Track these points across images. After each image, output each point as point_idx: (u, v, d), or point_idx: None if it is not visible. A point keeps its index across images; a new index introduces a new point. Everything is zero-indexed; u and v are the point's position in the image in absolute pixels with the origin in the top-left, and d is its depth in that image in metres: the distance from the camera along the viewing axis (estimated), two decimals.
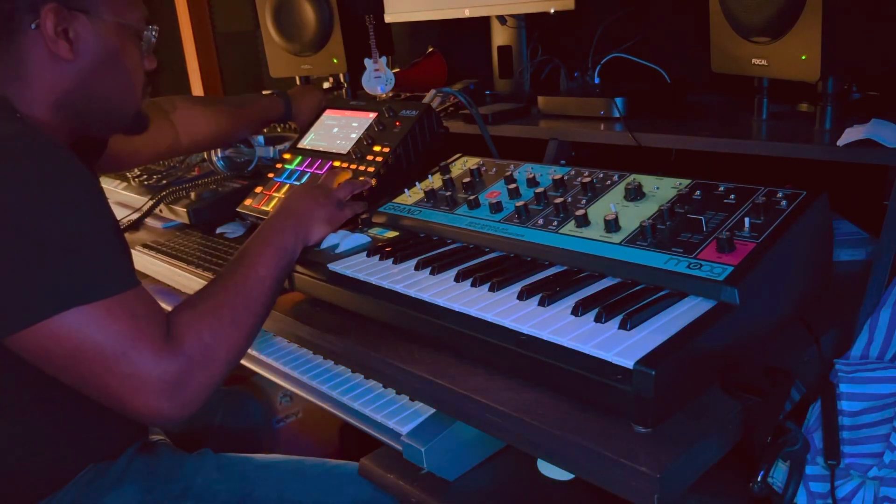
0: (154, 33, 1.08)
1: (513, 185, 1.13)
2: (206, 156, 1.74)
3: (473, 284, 0.94)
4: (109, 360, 0.81)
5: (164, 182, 1.76)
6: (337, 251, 1.13)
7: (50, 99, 0.97)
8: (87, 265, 0.82)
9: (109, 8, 1.00)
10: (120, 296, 0.83)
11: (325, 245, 1.15)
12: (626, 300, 0.83)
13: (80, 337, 0.80)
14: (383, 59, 1.86)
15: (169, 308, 0.91)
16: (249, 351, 1.21)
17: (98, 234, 0.86)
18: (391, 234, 1.19)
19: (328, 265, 1.08)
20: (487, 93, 1.91)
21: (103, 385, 0.83)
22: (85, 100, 1.00)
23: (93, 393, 0.84)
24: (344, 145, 1.46)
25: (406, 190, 1.27)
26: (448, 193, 1.19)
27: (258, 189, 1.48)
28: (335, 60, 2.06)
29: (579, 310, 0.82)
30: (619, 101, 1.45)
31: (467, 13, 1.81)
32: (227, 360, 0.90)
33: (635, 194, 1.01)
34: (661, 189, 1.02)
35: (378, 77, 1.86)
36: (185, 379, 0.84)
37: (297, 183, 1.43)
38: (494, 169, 1.24)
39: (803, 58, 1.14)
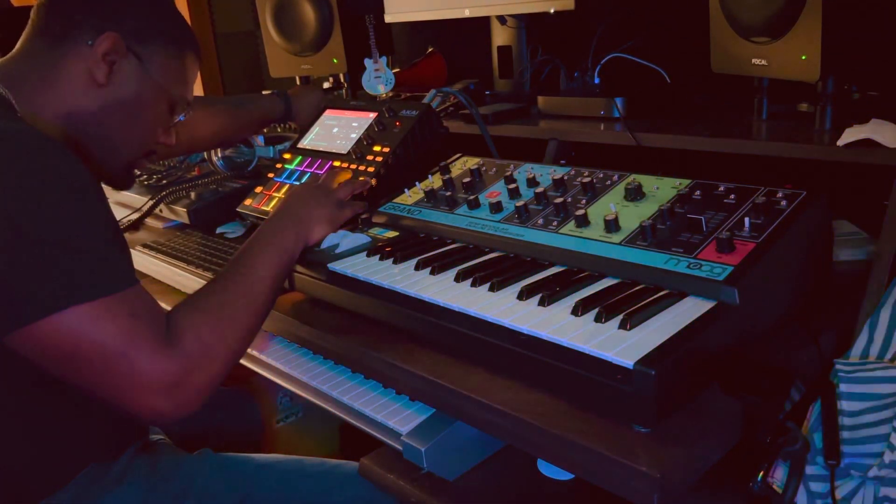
0: (185, 114, 1.12)
1: (513, 185, 1.13)
2: (206, 156, 1.74)
3: (473, 284, 0.94)
4: (108, 359, 0.81)
5: (164, 182, 1.76)
6: (337, 251, 1.13)
7: (62, 109, 0.99)
8: (86, 263, 0.82)
9: (162, 70, 1.05)
10: (119, 294, 0.83)
11: (325, 245, 1.15)
12: (626, 300, 0.83)
13: (78, 335, 0.80)
14: (383, 59, 1.86)
15: (169, 307, 0.91)
16: (249, 351, 1.21)
17: (97, 233, 0.86)
18: (391, 234, 1.19)
19: (328, 265, 1.08)
20: (487, 93, 1.91)
21: (102, 384, 0.83)
22: (91, 127, 1.01)
23: (92, 392, 0.84)
24: (344, 145, 1.46)
25: (406, 190, 1.27)
26: (448, 193, 1.19)
27: (258, 189, 1.48)
28: (335, 60, 2.06)
29: (579, 310, 0.82)
30: (619, 101, 1.45)
31: (467, 13, 1.81)
32: (227, 359, 0.90)
33: (635, 194, 1.01)
34: (661, 189, 1.02)
35: (378, 77, 1.86)
36: (185, 378, 0.84)
37: (297, 183, 1.43)
38: (494, 169, 1.24)
39: (803, 58, 1.14)
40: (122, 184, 1.14)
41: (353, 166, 1.38)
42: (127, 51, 1.00)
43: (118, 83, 1.01)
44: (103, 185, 1.04)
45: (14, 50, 1.01)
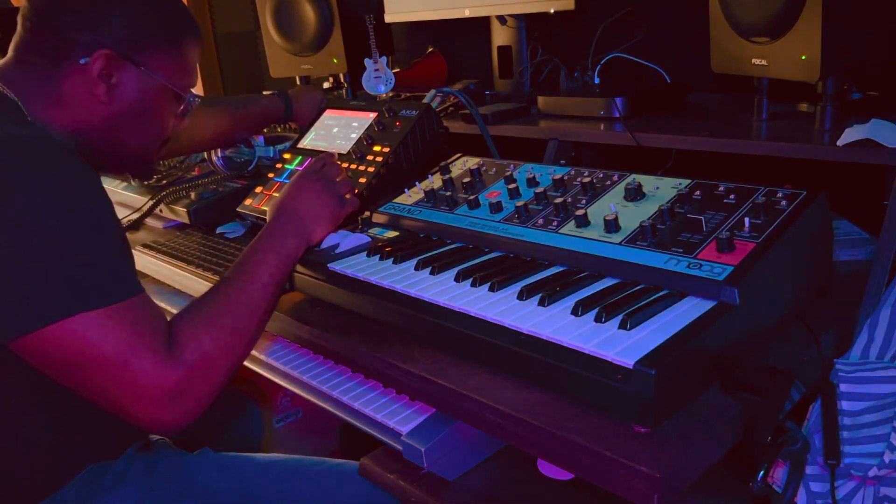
0: (195, 101, 1.11)
1: (513, 185, 1.13)
2: (206, 156, 1.74)
3: (473, 284, 0.94)
4: (110, 368, 0.81)
5: (164, 182, 1.76)
6: (337, 251, 1.13)
7: (71, 126, 0.99)
8: (92, 271, 0.82)
9: (163, 70, 1.03)
10: (123, 303, 0.83)
11: (325, 245, 1.15)
12: (626, 300, 0.83)
13: (82, 343, 0.80)
14: (383, 59, 1.86)
15: (174, 311, 0.91)
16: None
17: (103, 241, 0.86)
18: (391, 234, 1.19)
19: (328, 265, 1.08)
20: (487, 93, 1.91)
21: (103, 391, 0.83)
22: (104, 140, 1.01)
23: (93, 398, 0.84)
24: (344, 145, 1.46)
25: (406, 190, 1.27)
26: (448, 193, 1.19)
27: (258, 189, 1.48)
28: (335, 60, 2.06)
29: (579, 310, 0.82)
30: (619, 101, 1.45)
31: (467, 13, 1.81)
32: (228, 367, 0.90)
33: (635, 194, 1.01)
34: (661, 189, 1.02)
35: (378, 77, 1.86)
36: (185, 387, 0.84)
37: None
38: (494, 169, 1.24)
39: (803, 58, 1.14)
40: (145, 175, 1.13)
41: (353, 166, 1.38)
42: (123, 61, 0.98)
43: (121, 94, 1.00)
44: (108, 177, 1.03)
45: (8, 56, 0.99)
